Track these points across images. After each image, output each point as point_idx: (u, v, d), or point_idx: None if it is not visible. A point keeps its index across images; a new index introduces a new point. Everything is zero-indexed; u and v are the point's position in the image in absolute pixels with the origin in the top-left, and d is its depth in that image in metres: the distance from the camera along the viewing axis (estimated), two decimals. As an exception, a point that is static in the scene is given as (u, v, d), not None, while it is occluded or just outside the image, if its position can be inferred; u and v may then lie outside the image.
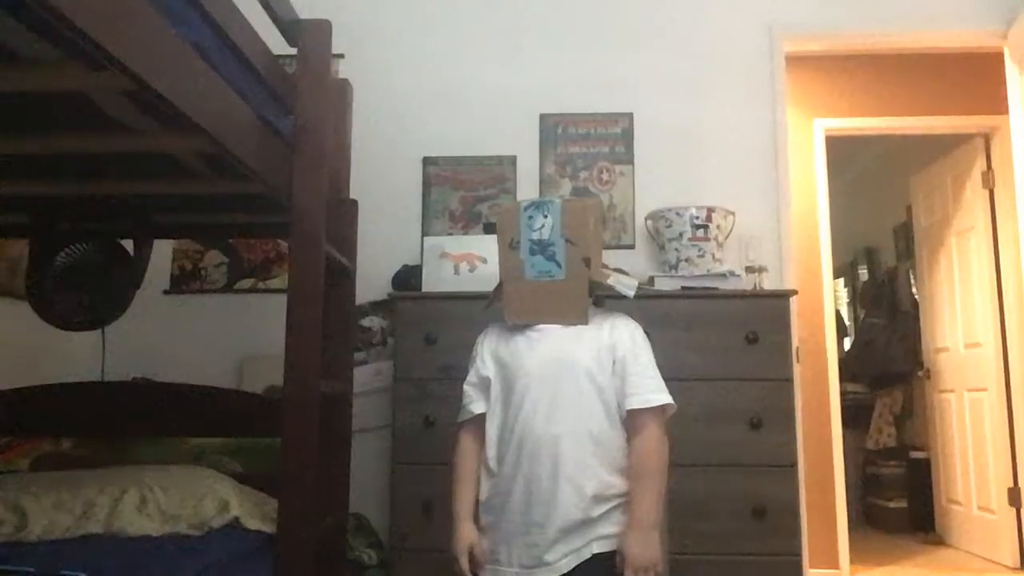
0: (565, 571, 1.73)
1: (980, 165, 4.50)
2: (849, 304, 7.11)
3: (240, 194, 2.31)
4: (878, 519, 5.35)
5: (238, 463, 2.74)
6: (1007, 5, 3.49)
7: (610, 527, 1.75)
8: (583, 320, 1.83)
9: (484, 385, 1.88)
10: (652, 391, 1.80)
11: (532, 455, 1.75)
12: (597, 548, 1.73)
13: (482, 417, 1.88)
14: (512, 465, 1.77)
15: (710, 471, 2.78)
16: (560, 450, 1.73)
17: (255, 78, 1.87)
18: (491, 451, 1.83)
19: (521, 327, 1.87)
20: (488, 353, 1.90)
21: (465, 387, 1.93)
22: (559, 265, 1.82)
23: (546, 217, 1.84)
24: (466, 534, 1.82)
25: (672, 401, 1.82)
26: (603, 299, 2.02)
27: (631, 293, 1.89)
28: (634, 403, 1.78)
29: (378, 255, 3.18)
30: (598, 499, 1.74)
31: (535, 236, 1.84)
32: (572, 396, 1.77)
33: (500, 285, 1.93)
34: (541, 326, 1.85)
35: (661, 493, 1.78)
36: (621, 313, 1.92)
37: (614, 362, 1.81)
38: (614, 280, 1.89)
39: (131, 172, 2.28)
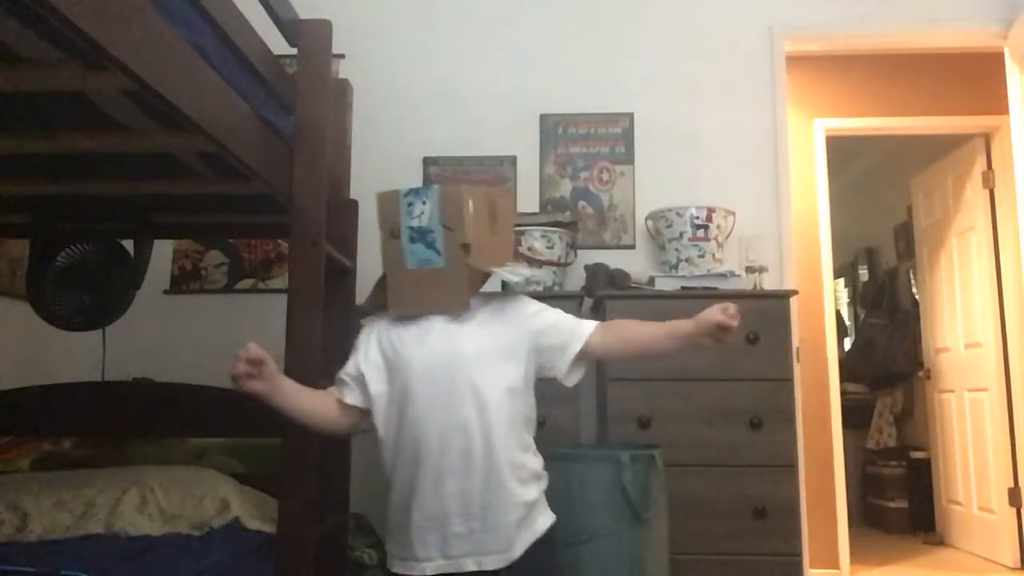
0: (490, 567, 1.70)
1: (980, 165, 4.50)
2: (849, 304, 7.10)
3: (240, 194, 2.31)
4: (878, 519, 5.35)
5: (238, 463, 2.75)
6: (1007, 5, 3.49)
7: (539, 519, 1.75)
8: (464, 308, 1.77)
9: (360, 380, 1.79)
10: (578, 328, 1.80)
11: (438, 449, 1.69)
12: (530, 538, 1.72)
13: (349, 406, 1.80)
14: (412, 461, 1.71)
15: (710, 471, 2.78)
16: (468, 441, 1.69)
17: (255, 78, 1.87)
18: (387, 451, 1.76)
19: (409, 319, 1.80)
20: (374, 347, 1.81)
21: (340, 375, 1.83)
22: (439, 252, 1.75)
23: (424, 204, 1.77)
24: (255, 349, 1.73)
25: (591, 324, 1.81)
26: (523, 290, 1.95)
27: (515, 279, 1.86)
28: (574, 350, 1.77)
29: (379, 255, 3.16)
30: (521, 486, 1.72)
31: (415, 223, 1.76)
32: (472, 385, 1.70)
33: (382, 278, 1.87)
34: (430, 317, 1.78)
35: (665, 327, 1.82)
36: (511, 295, 1.89)
37: (531, 339, 1.77)
38: (503, 269, 1.84)
39: (131, 172, 2.28)
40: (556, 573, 1.83)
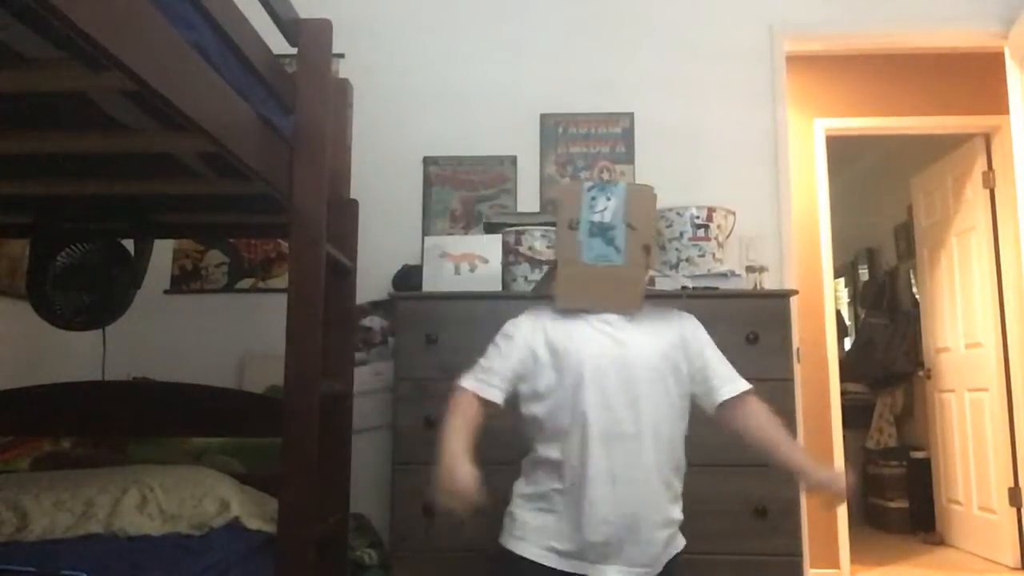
0: (656, 570, 1.72)
1: (981, 165, 4.50)
2: (850, 304, 7.10)
3: (241, 194, 2.31)
4: (879, 519, 5.35)
5: (239, 463, 2.75)
6: (1007, 5, 3.49)
7: (679, 540, 1.79)
8: (637, 309, 1.75)
9: (511, 372, 1.76)
10: (737, 377, 1.80)
11: (603, 453, 1.67)
12: (673, 551, 1.77)
13: (485, 401, 1.76)
14: (580, 456, 1.69)
15: (711, 471, 2.77)
16: (641, 448, 1.69)
17: (255, 78, 1.87)
18: (547, 440, 1.73)
19: (577, 313, 1.77)
20: (539, 337, 1.77)
21: (484, 363, 1.80)
22: (618, 250, 1.72)
23: (609, 200, 1.74)
24: (468, 471, 1.60)
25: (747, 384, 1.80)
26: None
27: (677, 286, 1.87)
28: (727, 392, 1.76)
29: (378, 255, 3.18)
30: (674, 506, 1.76)
31: (596, 218, 1.74)
32: (646, 392, 1.70)
33: (552, 268, 1.84)
34: (605, 315, 1.76)
35: (796, 443, 1.81)
36: (676, 310, 1.86)
37: (687, 357, 1.77)
38: (666, 275, 1.86)
39: (132, 172, 2.28)
40: None
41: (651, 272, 1.83)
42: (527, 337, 1.79)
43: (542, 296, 1.91)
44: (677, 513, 1.77)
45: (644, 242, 1.73)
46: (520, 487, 1.81)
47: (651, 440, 1.70)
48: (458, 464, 1.60)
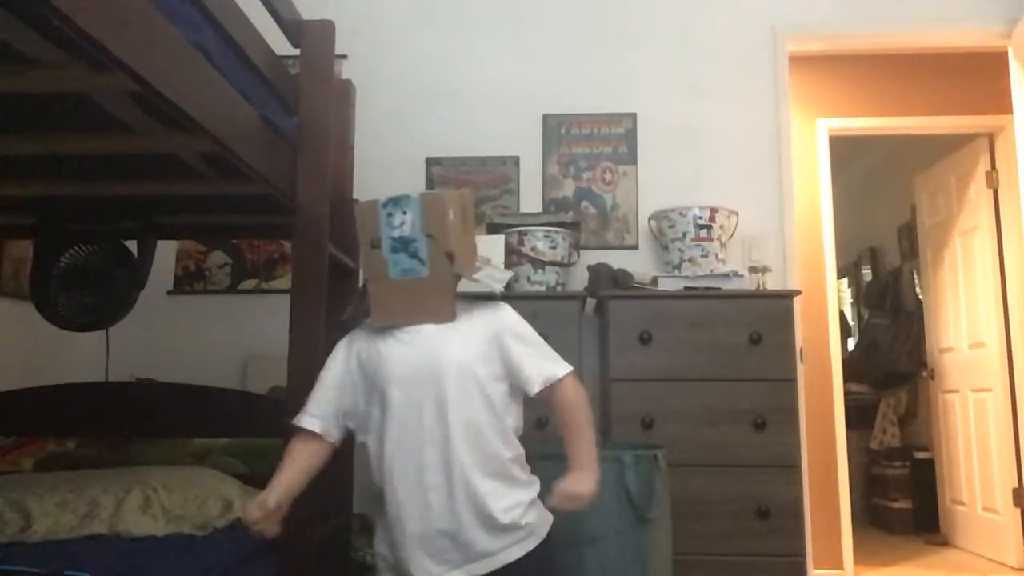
0: (479, 573, 1.70)
1: (984, 165, 4.49)
2: (853, 304, 7.09)
3: (243, 195, 2.31)
4: (882, 520, 5.34)
5: (242, 463, 2.75)
6: (1011, 5, 3.48)
7: (529, 528, 1.74)
8: (450, 318, 1.75)
9: (333, 398, 1.80)
10: (549, 367, 1.76)
11: (422, 462, 1.68)
12: (517, 553, 1.71)
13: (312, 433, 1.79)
14: (402, 475, 1.70)
15: (713, 471, 2.77)
16: (451, 454, 1.68)
17: (258, 79, 1.87)
18: (375, 464, 1.76)
19: (388, 330, 1.78)
20: (353, 364, 1.80)
21: (309, 410, 1.81)
22: (422, 262, 1.73)
23: (405, 213, 1.73)
24: (263, 497, 1.68)
25: (571, 367, 1.79)
26: (498, 296, 1.89)
27: (499, 287, 1.83)
28: (537, 385, 1.74)
29: (381, 256, 3.17)
30: (496, 516, 1.70)
31: (396, 233, 1.74)
32: (454, 396, 1.70)
33: (363, 288, 1.85)
34: (410, 327, 1.76)
35: (593, 438, 1.78)
36: (493, 303, 1.84)
37: (500, 352, 1.75)
38: (483, 275, 1.82)
39: (134, 173, 2.28)
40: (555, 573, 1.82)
41: (471, 276, 1.80)
42: (341, 362, 1.83)
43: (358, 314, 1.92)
44: (502, 505, 1.71)
45: (446, 249, 1.73)
46: (376, 529, 1.82)
47: (462, 441, 1.69)
48: (269, 489, 1.70)
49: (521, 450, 1.79)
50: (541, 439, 1.83)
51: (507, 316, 1.82)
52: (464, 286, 1.81)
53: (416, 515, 1.68)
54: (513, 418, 1.78)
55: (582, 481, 1.73)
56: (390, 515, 1.73)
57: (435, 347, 1.73)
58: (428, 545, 1.68)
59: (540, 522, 1.76)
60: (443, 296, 1.76)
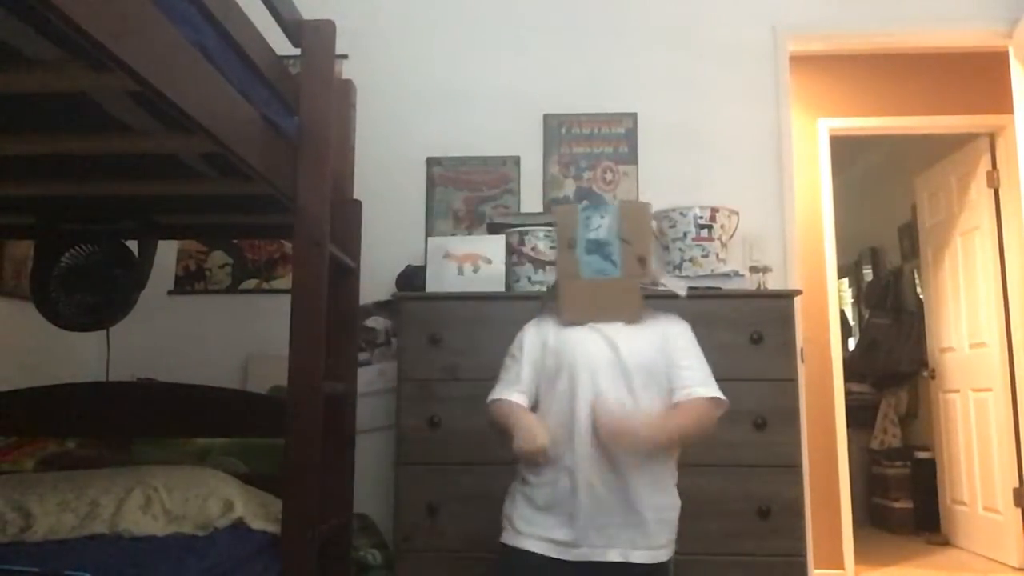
0: (637, 561, 1.77)
1: (985, 164, 4.49)
2: (854, 304, 7.09)
3: (244, 195, 2.31)
4: (883, 519, 5.34)
5: (242, 463, 2.75)
6: (1011, 5, 3.48)
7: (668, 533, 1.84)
8: (638, 318, 1.86)
9: (528, 378, 1.88)
10: (700, 383, 1.83)
11: (596, 451, 1.76)
12: (664, 556, 1.81)
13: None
14: (571, 455, 1.78)
15: (714, 471, 2.77)
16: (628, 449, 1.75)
17: (259, 79, 1.87)
18: (554, 442, 1.80)
19: (576, 322, 1.88)
20: (541, 342, 1.89)
21: (504, 375, 1.92)
22: (615, 264, 1.85)
23: (603, 218, 1.87)
24: (541, 430, 1.75)
25: (722, 395, 1.84)
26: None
27: (683, 292, 1.95)
28: (680, 396, 1.82)
29: (382, 255, 3.18)
30: (660, 507, 1.81)
31: (592, 236, 1.86)
32: (639, 388, 1.80)
33: (554, 285, 1.96)
34: (597, 323, 1.86)
35: (688, 432, 1.83)
36: (671, 313, 1.95)
37: (665, 356, 1.84)
38: (666, 279, 1.95)
39: (135, 173, 2.28)
40: None
41: (658, 280, 1.96)
42: (533, 343, 1.92)
43: (546, 306, 2.04)
44: (667, 499, 1.85)
45: (639, 254, 1.85)
46: (518, 484, 1.90)
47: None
48: (533, 424, 1.77)
49: (676, 453, 1.89)
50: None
51: (681, 327, 1.92)
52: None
53: (587, 490, 1.76)
54: None
55: (641, 425, 1.77)
56: (560, 484, 1.78)
57: (621, 342, 1.83)
58: (596, 520, 1.76)
59: (677, 531, 1.86)
60: (632, 298, 1.88)
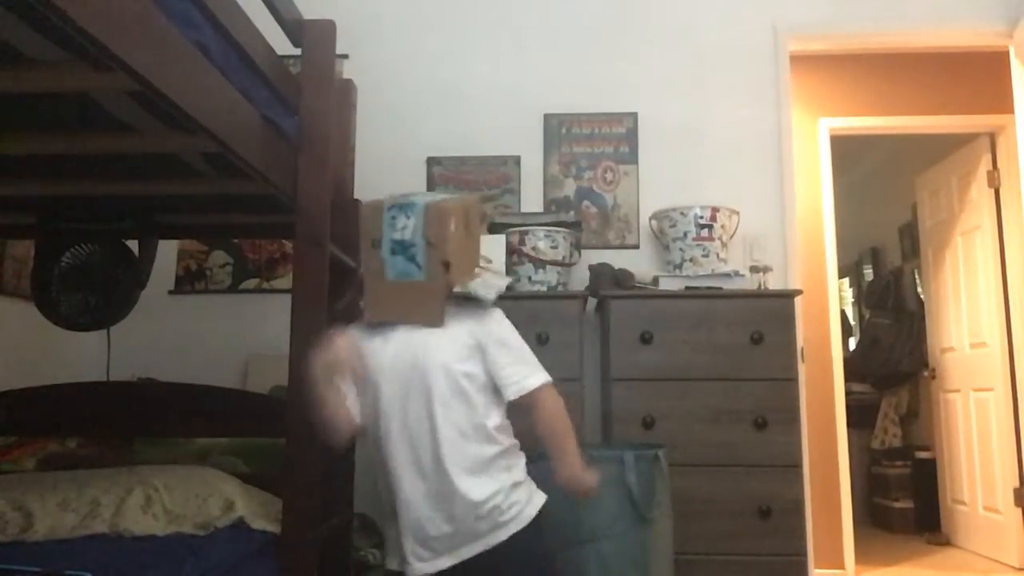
0: (468, 556, 1.77)
1: (985, 164, 4.49)
2: (854, 304, 7.09)
3: (244, 194, 2.31)
4: (883, 519, 5.34)
5: (243, 463, 2.75)
6: (1012, 4, 3.48)
7: (516, 508, 1.80)
8: (438, 323, 1.83)
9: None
10: (525, 376, 1.83)
11: (410, 455, 1.77)
12: (501, 536, 1.77)
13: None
14: (387, 463, 1.80)
15: (715, 471, 2.77)
16: (436, 449, 1.76)
17: (259, 79, 1.87)
18: (373, 453, 1.86)
19: (381, 326, 1.87)
20: (355, 353, 1.87)
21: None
22: (419, 266, 1.81)
23: (408, 218, 1.81)
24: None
25: (548, 378, 1.85)
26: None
27: (491, 296, 1.88)
28: (511, 393, 1.82)
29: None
30: (478, 486, 1.77)
31: (397, 236, 1.81)
32: (438, 395, 1.78)
33: (360, 283, 1.93)
34: (398, 327, 1.85)
35: (575, 448, 1.85)
36: (486, 309, 1.90)
37: (482, 355, 1.83)
38: (477, 283, 1.88)
39: (136, 172, 2.28)
40: (544, 557, 1.87)
41: (466, 285, 1.87)
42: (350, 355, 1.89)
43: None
44: (481, 493, 1.78)
45: (444, 258, 1.80)
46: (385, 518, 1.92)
47: (445, 438, 1.76)
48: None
49: (506, 444, 1.85)
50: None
51: (493, 322, 1.88)
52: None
53: (405, 504, 1.78)
54: (496, 418, 1.84)
55: (575, 482, 1.83)
56: (387, 504, 1.83)
57: (423, 348, 1.81)
58: (418, 533, 1.77)
59: (525, 507, 1.82)
60: (434, 301, 1.84)
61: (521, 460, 1.87)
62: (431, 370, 1.79)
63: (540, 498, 1.85)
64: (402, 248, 1.81)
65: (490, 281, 1.93)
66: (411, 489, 1.77)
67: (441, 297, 1.84)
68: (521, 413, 1.87)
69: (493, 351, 1.83)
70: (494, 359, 1.83)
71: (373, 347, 1.84)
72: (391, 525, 1.84)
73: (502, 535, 1.77)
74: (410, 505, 1.77)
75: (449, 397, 1.78)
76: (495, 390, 1.83)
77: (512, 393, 1.82)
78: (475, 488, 1.76)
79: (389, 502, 1.82)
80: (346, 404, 1.84)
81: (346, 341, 1.81)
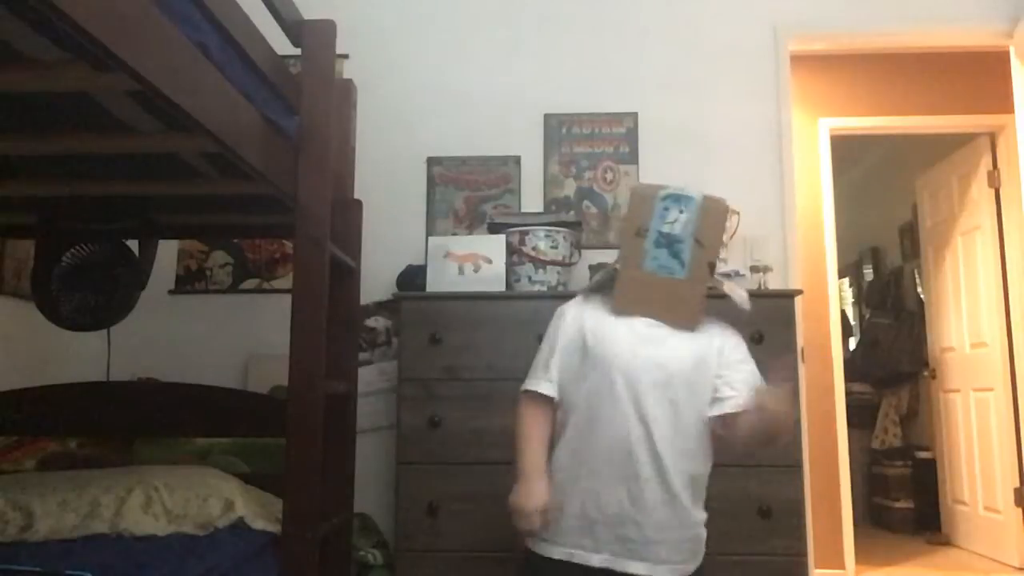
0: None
1: (986, 164, 4.49)
2: (854, 304, 7.09)
3: (245, 194, 2.32)
4: (884, 519, 5.34)
5: (243, 463, 2.75)
6: (1012, 4, 3.48)
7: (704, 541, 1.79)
8: (694, 326, 1.75)
9: (559, 361, 1.79)
10: (750, 389, 1.74)
11: (633, 453, 1.69)
12: (691, 568, 1.76)
13: (548, 398, 1.80)
14: (608, 458, 1.71)
15: (714, 471, 2.75)
16: (663, 453, 1.69)
17: (260, 79, 1.87)
18: (575, 441, 1.75)
19: (624, 315, 1.77)
20: (579, 325, 1.79)
21: (539, 359, 1.83)
22: (683, 264, 1.72)
23: (682, 212, 1.72)
24: (541, 491, 1.70)
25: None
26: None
27: (747, 306, 1.82)
28: (732, 405, 1.73)
29: (382, 255, 3.18)
30: (695, 524, 1.75)
31: (666, 229, 1.72)
32: (679, 401, 1.70)
33: (611, 268, 1.84)
34: (649, 321, 1.75)
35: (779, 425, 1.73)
36: (722, 321, 1.85)
37: (718, 367, 1.76)
38: (729, 289, 1.81)
39: (136, 172, 2.28)
40: None
41: (721, 288, 1.82)
42: (569, 327, 1.82)
43: (595, 288, 1.91)
44: (699, 515, 1.78)
45: (710, 259, 1.72)
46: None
47: (676, 445, 1.70)
48: (536, 481, 1.70)
49: (710, 468, 1.80)
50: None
51: (735, 339, 1.83)
52: None
53: (615, 501, 1.69)
54: (708, 438, 1.78)
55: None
56: (582, 494, 1.71)
57: (670, 349, 1.73)
58: (619, 529, 1.69)
59: (704, 545, 1.80)
60: (694, 303, 1.76)
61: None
62: (677, 375, 1.71)
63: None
64: (669, 242, 1.72)
65: (738, 293, 1.85)
66: (628, 487, 1.68)
67: (702, 299, 1.76)
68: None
69: (730, 365, 1.76)
70: (727, 371, 1.74)
71: (610, 334, 1.74)
72: (567, 515, 1.73)
73: (691, 567, 1.75)
74: (620, 503, 1.68)
75: (688, 405, 1.71)
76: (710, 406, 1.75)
77: (734, 405, 1.71)
78: (692, 506, 1.72)
79: (586, 491, 1.72)
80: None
81: (544, 487, 1.72)
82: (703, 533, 1.78)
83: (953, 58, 4.22)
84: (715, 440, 1.80)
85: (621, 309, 1.78)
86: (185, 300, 3.55)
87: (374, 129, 3.48)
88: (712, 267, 1.73)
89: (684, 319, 1.75)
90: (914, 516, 5.17)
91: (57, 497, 2.07)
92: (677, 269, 1.72)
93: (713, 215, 1.73)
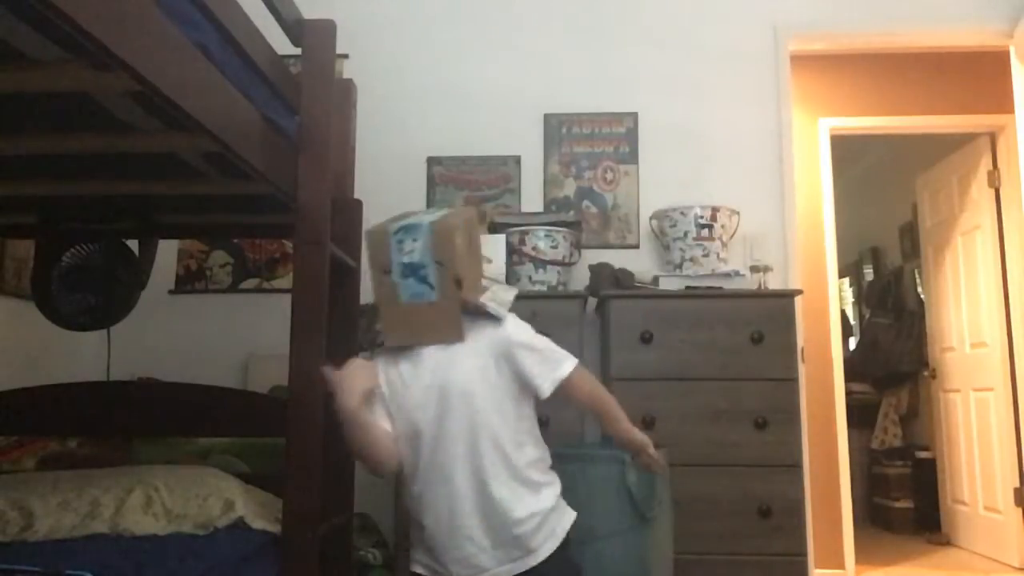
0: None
1: (986, 164, 4.49)
2: (854, 304, 7.09)
3: (245, 194, 2.31)
4: (884, 519, 5.34)
5: (243, 463, 2.75)
6: (1012, 4, 3.48)
7: (556, 525, 1.82)
8: (460, 339, 1.83)
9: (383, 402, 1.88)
10: (553, 368, 1.83)
11: (450, 474, 1.77)
12: (542, 555, 1.78)
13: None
14: (433, 486, 1.80)
15: (715, 471, 2.77)
16: (475, 464, 1.76)
17: (259, 78, 1.87)
18: (409, 475, 1.85)
19: (403, 352, 1.87)
20: (384, 384, 1.88)
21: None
22: (431, 287, 1.81)
23: (416, 240, 1.81)
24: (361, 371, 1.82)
25: (576, 360, 1.86)
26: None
27: (504, 312, 1.88)
28: (546, 389, 1.82)
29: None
30: (520, 521, 1.77)
31: (405, 259, 1.82)
32: (471, 411, 1.78)
33: (373, 310, 1.93)
34: (421, 350, 1.84)
35: (623, 413, 1.93)
36: (502, 317, 1.89)
37: (508, 364, 1.82)
38: (487, 297, 1.89)
39: (136, 172, 2.28)
40: (574, 570, 1.89)
41: (477, 301, 1.86)
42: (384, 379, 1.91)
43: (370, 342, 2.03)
44: (525, 510, 1.79)
45: (455, 275, 1.80)
46: (412, 536, 1.93)
47: (483, 453, 1.77)
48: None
49: (538, 454, 1.86)
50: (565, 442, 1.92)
51: (511, 329, 1.88)
52: None
53: (446, 522, 1.78)
54: (528, 424, 1.86)
55: (637, 434, 1.96)
56: (427, 525, 1.81)
57: (451, 366, 1.82)
58: (459, 550, 1.77)
59: (560, 523, 1.83)
60: (452, 319, 1.84)
61: (555, 476, 1.88)
62: (464, 387, 1.79)
63: (571, 515, 1.87)
64: (412, 270, 1.81)
65: (500, 296, 1.94)
66: (452, 506, 1.77)
67: (458, 313, 1.84)
68: (561, 404, 1.90)
69: (519, 356, 1.82)
70: (522, 363, 1.82)
71: (403, 373, 1.84)
72: (423, 546, 1.84)
73: (542, 553, 1.78)
74: (450, 523, 1.77)
75: (485, 412, 1.79)
76: (523, 397, 1.84)
77: (547, 389, 1.81)
78: (517, 503, 1.77)
79: (428, 523, 1.81)
80: (388, 431, 1.83)
81: (371, 368, 1.83)
82: (545, 518, 1.82)
83: (953, 58, 4.22)
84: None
85: (392, 342, 1.88)
86: (185, 300, 3.55)
87: (374, 129, 3.48)
88: (459, 282, 1.80)
89: (450, 334, 1.84)
90: (914, 516, 5.18)
91: (57, 497, 2.07)
92: (428, 293, 1.82)
93: (442, 235, 1.81)
